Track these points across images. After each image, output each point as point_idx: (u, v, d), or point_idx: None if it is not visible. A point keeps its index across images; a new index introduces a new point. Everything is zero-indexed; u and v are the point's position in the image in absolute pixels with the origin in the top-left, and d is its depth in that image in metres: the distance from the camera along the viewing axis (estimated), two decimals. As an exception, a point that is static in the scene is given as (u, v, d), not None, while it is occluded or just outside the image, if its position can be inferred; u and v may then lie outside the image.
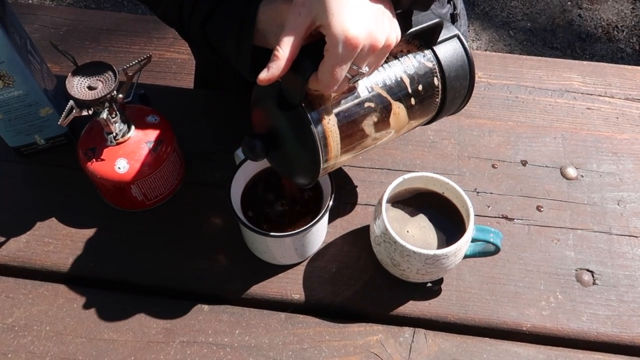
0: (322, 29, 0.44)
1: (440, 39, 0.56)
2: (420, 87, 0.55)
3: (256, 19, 0.53)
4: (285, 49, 0.45)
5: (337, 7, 0.43)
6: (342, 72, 0.45)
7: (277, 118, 0.52)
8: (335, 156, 0.52)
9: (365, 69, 0.47)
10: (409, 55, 0.55)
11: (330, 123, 0.51)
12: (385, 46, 0.46)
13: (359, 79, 0.48)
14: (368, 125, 0.53)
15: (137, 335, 0.61)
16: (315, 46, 0.45)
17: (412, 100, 0.55)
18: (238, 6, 0.55)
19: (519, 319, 0.62)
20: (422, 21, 0.52)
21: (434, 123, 0.62)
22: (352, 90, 0.52)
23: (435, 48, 0.56)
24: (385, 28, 0.46)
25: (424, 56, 0.55)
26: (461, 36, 0.57)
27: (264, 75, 0.45)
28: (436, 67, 0.56)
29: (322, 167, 0.52)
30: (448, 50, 0.56)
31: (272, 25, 0.52)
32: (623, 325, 0.62)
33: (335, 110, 0.51)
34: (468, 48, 0.57)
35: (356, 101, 0.52)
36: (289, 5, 0.46)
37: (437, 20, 0.53)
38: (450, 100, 0.58)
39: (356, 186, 0.72)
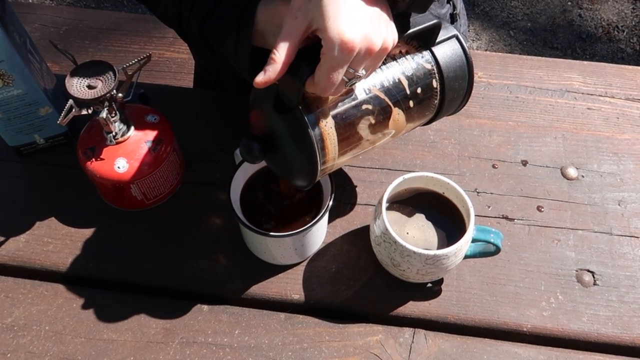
0: (318, 33, 0.44)
1: (438, 39, 0.55)
2: (418, 89, 0.55)
3: (255, 19, 0.53)
4: (281, 52, 0.45)
5: (333, 10, 0.43)
6: (339, 75, 0.45)
7: (275, 120, 0.52)
8: (333, 158, 0.52)
9: (362, 72, 0.47)
10: (407, 56, 0.55)
11: (328, 125, 0.50)
12: (382, 49, 0.46)
13: (355, 82, 0.48)
14: (366, 127, 0.53)
15: (137, 335, 0.61)
16: (312, 49, 0.45)
17: (411, 102, 0.55)
18: (237, 6, 0.55)
19: (520, 319, 0.62)
20: (420, 22, 0.52)
21: (433, 123, 0.62)
22: (349, 92, 0.52)
23: (433, 49, 0.55)
24: (381, 31, 0.45)
25: (422, 57, 0.55)
26: (460, 37, 0.57)
27: (261, 78, 0.45)
28: (434, 68, 0.55)
29: (319, 169, 0.52)
30: (447, 51, 0.56)
31: (271, 26, 0.52)
32: (624, 326, 0.62)
33: (333, 113, 0.51)
34: (467, 48, 0.57)
35: (353, 103, 0.52)
36: (288, 5, 0.46)
37: (435, 21, 0.53)
38: (448, 101, 0.58)
39: (355, 186, 0.71)
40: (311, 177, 0.53)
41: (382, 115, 0.53)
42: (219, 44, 0.58)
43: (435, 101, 0.57)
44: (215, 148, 0.74)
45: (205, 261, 0.66)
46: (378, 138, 0.55)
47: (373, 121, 0.53)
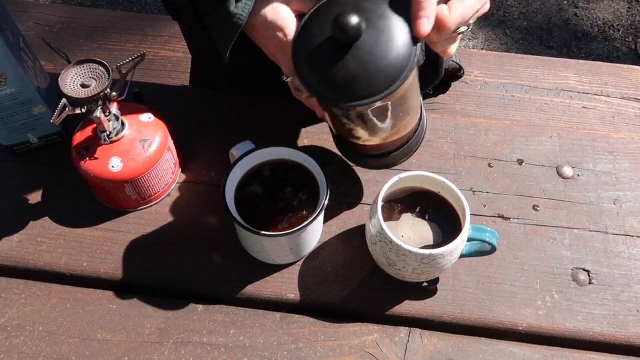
0: None
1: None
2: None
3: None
4: None
5: None
6: (470, 14, 0.50)
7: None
8: (403, 90, 0.52)
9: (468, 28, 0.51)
10: None
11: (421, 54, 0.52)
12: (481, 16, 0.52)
13: (462, 32, 0.51)
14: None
15: (131, 336, 0.61)
16: None
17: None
18: None
19: (515, 318, 0.62)
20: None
21: (429, 122, 0.64)
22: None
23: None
24: None
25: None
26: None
27: (427, 28, 0.48)
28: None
29: (415, 62, 0.49)
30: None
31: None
32: (619, 325, 0.62)
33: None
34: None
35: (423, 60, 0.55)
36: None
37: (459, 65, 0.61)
38: (418, 135, 0.63)
39: (338, 194, 0.71)
40: (400, 74, 0.49)
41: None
42: (208, 13, 0.58)
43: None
44: (210, 147, 0.74)
45: (201, 261, 0.65)
46: (403, 109, 0.57)
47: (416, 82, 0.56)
